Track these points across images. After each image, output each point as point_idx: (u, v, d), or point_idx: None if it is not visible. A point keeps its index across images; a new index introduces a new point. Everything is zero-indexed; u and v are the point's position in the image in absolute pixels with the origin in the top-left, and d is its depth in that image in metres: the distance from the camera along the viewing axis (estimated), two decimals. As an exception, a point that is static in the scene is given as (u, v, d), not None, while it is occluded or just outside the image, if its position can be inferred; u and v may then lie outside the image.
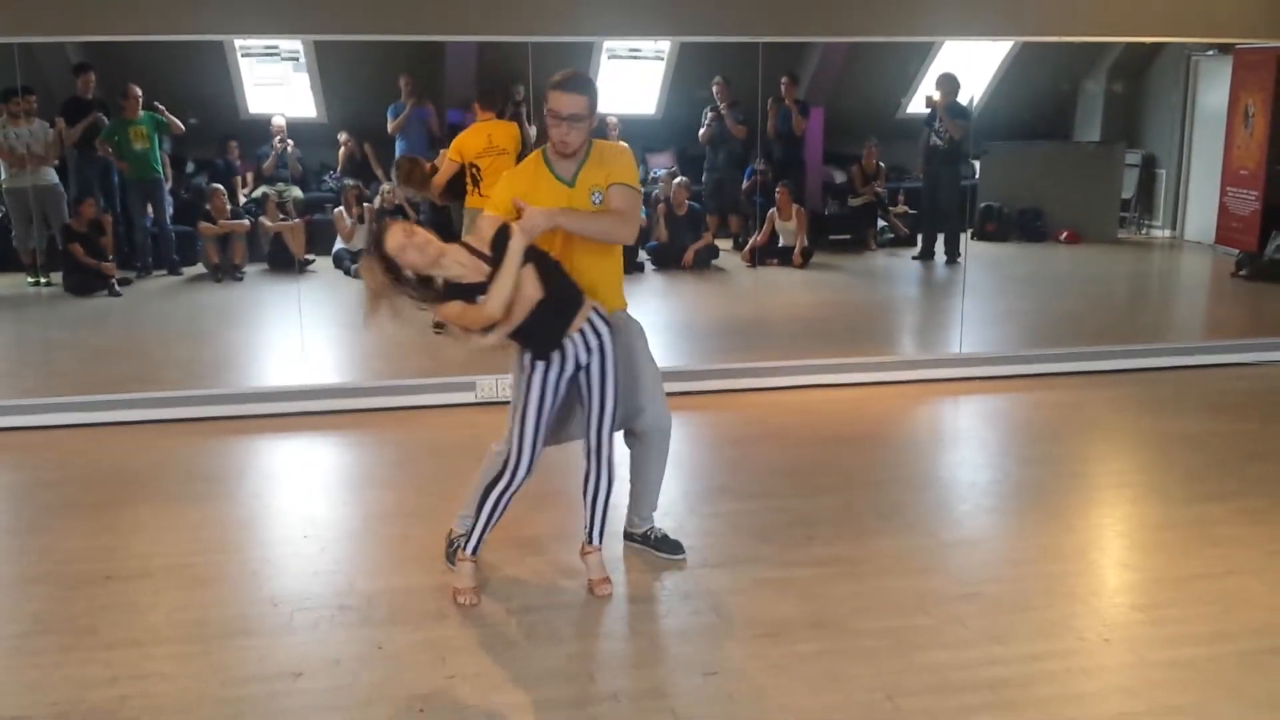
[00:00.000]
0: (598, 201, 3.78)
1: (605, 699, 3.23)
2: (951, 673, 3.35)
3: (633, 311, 7.21)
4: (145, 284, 9.07)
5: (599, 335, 3.74)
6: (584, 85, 3.81)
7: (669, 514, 4.58)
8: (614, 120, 10.57)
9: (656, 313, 8.66)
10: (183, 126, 9.20)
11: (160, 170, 9.19)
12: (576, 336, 3.70)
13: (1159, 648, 3.50)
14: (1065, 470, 5.15)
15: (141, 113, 8.96)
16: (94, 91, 8.92)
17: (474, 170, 7.05)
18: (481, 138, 7.03)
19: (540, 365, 3.71)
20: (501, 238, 3.57)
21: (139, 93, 8.93)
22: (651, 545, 4.23)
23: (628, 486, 4.26)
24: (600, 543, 3.94)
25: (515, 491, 3.80)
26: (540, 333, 3.66)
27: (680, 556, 4.16)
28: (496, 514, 3.81)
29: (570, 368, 3.73)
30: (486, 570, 4.07)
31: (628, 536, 4.31)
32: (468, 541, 3.84)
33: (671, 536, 4.24)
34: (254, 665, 3.43)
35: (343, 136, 10.29)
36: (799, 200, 9.75)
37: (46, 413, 5.83)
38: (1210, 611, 3.73)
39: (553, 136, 3.74)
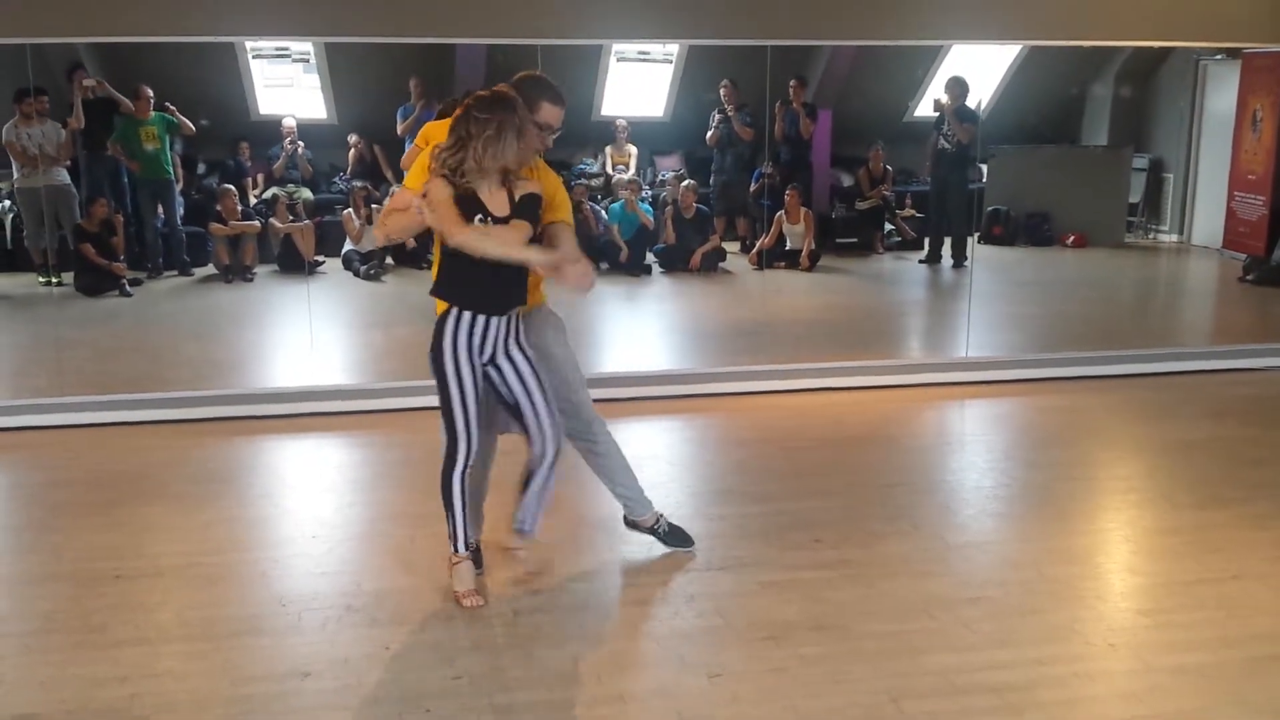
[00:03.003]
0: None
1: (611, 700, 3.24)
2: (956, 676, 3.36)
3: (640, 315, 7.22)
4: (156, 284, 9.12)
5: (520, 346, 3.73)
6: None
7: (674, 516, 4.59)
8: (623, 123, 10.62)
9: (663, 315, 8.70)
10: (193, 127, 9.25)
11: (171, 171, 9.24)
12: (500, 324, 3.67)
13: (1164, 653, 3.51)
14: (1070, 475, 5.15)
15: (152, 113, 9.01)
16: (89, 77, 8.90)
17: None
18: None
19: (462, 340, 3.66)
20: (533, 205, 3.60)
21: (150, 93, 8.98)
22: (659, 538, 4.25)
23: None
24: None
25: (467, 472, 3.77)
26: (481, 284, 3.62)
27: (689, 549, 4.22)
28: (460, 501, 3.79)
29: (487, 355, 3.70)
30: (493, 572, 4.10)
31: (631, 526, 4.33)
32: (454, 541, 3.83)
33: (679, 529, 4.28)
34: (262, 664, 3.45)
35: (353, 138, 10.34)
36: (807, 203, 9.77)
37: (57, 412, 5.86)
38: (1215, 617, 3.74)
39: (536, 144, 3.76)
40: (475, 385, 3.73)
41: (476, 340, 3.69)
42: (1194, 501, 4.77)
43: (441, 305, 3.73)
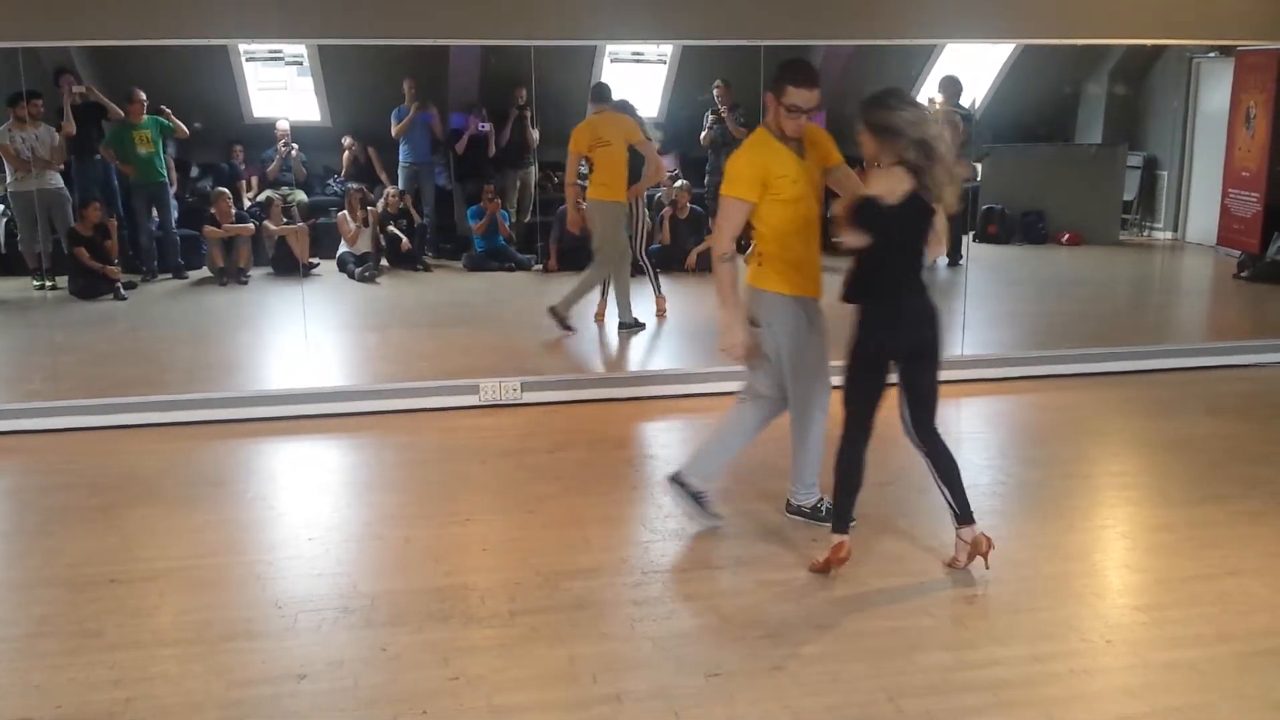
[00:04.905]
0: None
1: (608, 700, 3.24)
2: (953, 673, 3.36)
3: (634, 312, 7.26)
4: (150, 287, 9.11)
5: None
6: (818, 79, 4.06)
7: (672, 516, 4.60)
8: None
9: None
10: (187, 131, 9.24)
11: (164, 174, 9.23)
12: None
13: (1160, 649, 3.51)
14: (1067, 472, 5.15)
15: (146, 117, 8.99)
16: (77, 84, 8.89)
17: (586, 163, 7.32)
18: (589, 132, 7.31)
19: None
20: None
21: (143, 97, 8.96)
22: (821, 519, 4.38)
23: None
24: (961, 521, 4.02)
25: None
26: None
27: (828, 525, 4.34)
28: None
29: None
30: (488, 572, 4.09)
31: (794, 510, 4.51)
32: (837, 521, 3.99)
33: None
34: (258, 667, 3.44)
35: (346, 140, 10.33)
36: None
37: (52, 416, 5.85)
38: (1211, 613, 3.74)
39: (789, 127, 4.03)
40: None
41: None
42: (1190, 498, 4.78)
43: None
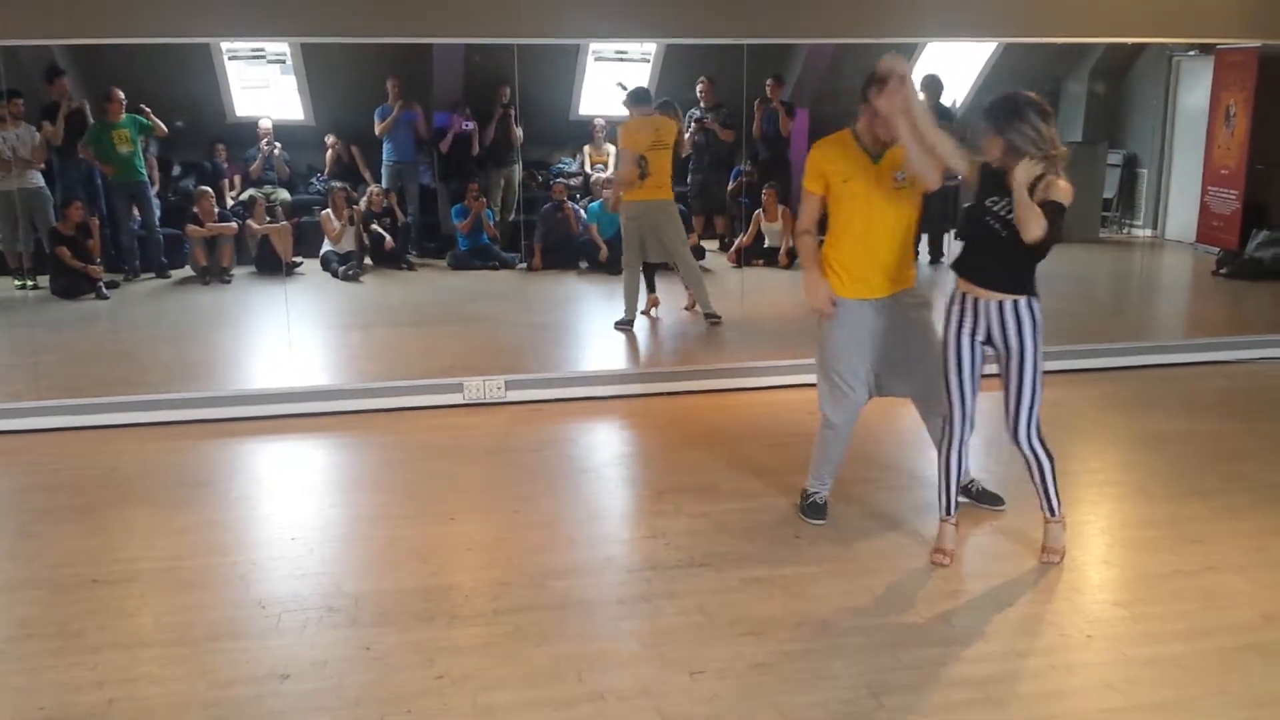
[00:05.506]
0: (900, 179, 4.20)
1: (592, 699, 3.25)
2: (936, 670, 3.38)
3: (619, 313, 7.32)
4: (133, 287, 9.07)
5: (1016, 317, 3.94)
6: None
7: (657, 514, 4.61)
8: (601, 123, 10.62)
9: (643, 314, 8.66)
10: (165, 129, 9.20)
11: (144, 173, 9.18)
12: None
13: (1141, 644, 3.54)
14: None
15: (124, 116, 8.95)
16: (73, 94, 8.89)
17: (643, 162, 7.32)
18: (649, 131, 7.35)
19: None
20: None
21: (122, 96, 8.92)
22: (973, 497, 4.64)
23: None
24: (1053, 514, 4.14)
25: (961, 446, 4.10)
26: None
27: (1001, 507, 4.60)
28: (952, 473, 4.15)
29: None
30: (473, 571, 4.10)
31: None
32: (946, 506, 4.14)
33: (990, 489, 4.67)
34: (241, 668, 3.44)
35: (330, 139, 10.30)
36: (785, 201, 9.79)
37: (34, 416, 5.82)
38: (1191, 608, 3.77)
39: (885, 131, 4.14)
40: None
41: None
42: (1170, 494, 4.81)
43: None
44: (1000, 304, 3.94)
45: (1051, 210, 3.72)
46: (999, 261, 3.94)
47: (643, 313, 7.87)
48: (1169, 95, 10.57)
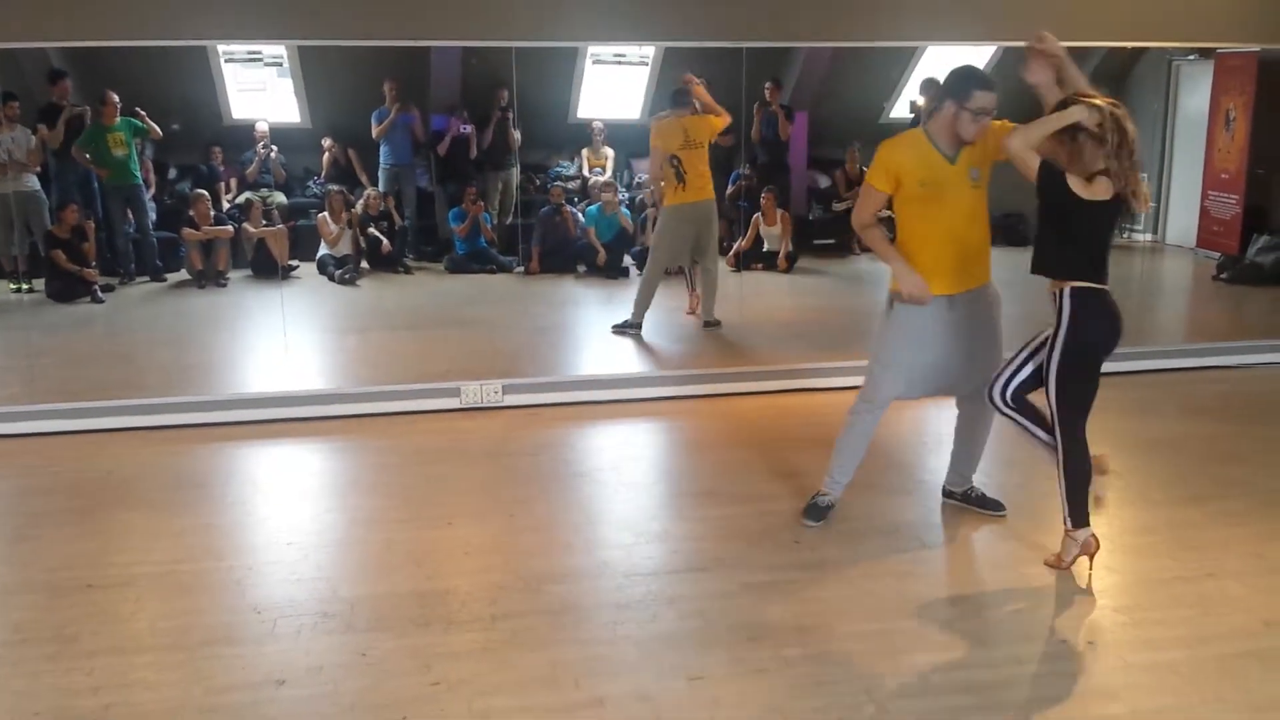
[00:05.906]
0: (975, 178, 4.23)
1: (590, 704, 3.23)
2: (935, 675, 3.36)
3: (618, 317, 7.31)
4: (128, 290, 9.05)
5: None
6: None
7: (655, 518, 4.59)
8: (600, 125, 10.60)
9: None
10: (160, 132, 9.18)
11: (139, 176, 9.16)
12: None
13: (1140, 650, 3.52)
14: (1047, 473, 5.10)
15: (119, 119, 8.93)
16: (72, 98, 8.88)
17: (675, 162, 7.31)
18: (679, 132, 7.36)
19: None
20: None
21: (116, 99, 8.90)
22: (974, 503, 4.63)
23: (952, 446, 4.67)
24: (1067, 524, 4.08)
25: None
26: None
27: (1001, 514, 4.58)
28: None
29: None
30: (470, 576, 4.07)
31: (948, 495, 4.72)
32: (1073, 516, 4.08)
33: (990, 495, 4.65)
34: (237, 673, 3.42)
35: (326, 142, 10.28)
36: (784, 205, 9.78)
37: (29, 420, 5.80)
38: (1190, 614, 3.76)
39: (971, 131, 4.14)
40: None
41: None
42: (1169, 499, 4.80)
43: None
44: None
45: (1044, 168, 3.93)
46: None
47: (688, 313, 7.96)
48: (1169, 100, 10.56)
